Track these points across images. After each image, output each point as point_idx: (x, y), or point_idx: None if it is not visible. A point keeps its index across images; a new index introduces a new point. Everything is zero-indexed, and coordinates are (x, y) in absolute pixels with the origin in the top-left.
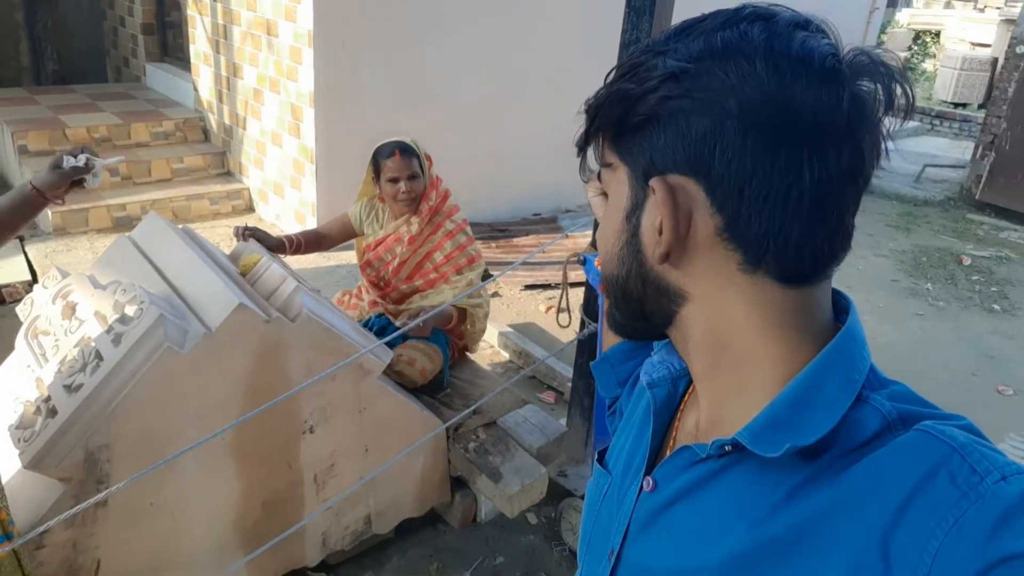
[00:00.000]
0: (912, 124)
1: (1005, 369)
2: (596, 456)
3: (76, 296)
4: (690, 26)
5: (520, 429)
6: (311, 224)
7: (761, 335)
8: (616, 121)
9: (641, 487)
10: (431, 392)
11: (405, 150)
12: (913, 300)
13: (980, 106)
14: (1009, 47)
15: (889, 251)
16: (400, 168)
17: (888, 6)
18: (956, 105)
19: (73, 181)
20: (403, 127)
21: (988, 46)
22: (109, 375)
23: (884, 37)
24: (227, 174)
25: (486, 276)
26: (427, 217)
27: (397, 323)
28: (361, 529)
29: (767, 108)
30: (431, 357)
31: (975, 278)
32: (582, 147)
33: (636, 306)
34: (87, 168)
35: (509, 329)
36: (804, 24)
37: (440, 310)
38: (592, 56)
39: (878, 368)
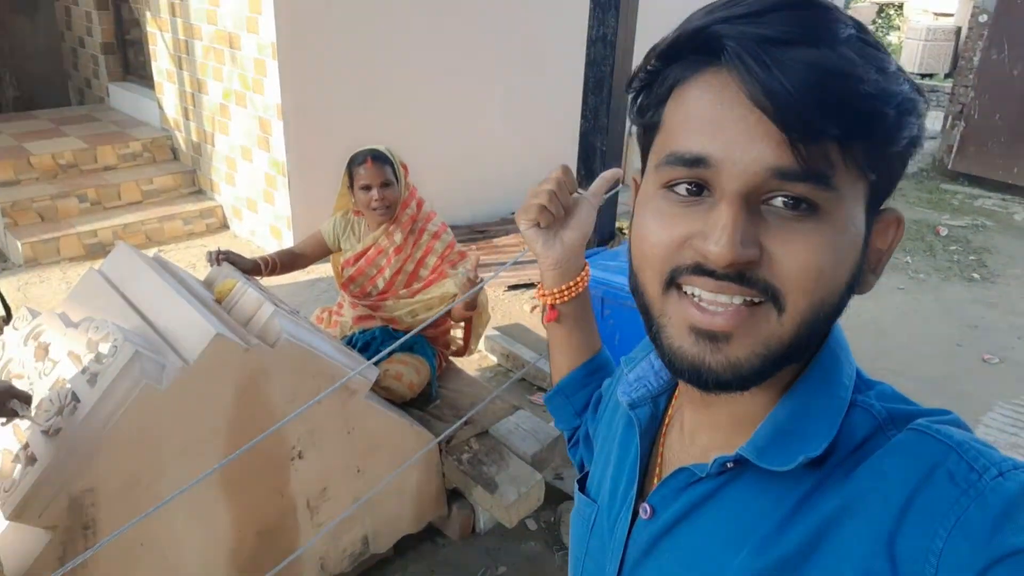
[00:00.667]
0: None
1: (988, 337)
2: (577, 485)
3: (48, 336)
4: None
5: (513, 436)
6: (287, 239)
7: None
8: (910, 140)
9: (636, 513)
10: (421, 405)
11: (377, 157)
12: (893, 274)
13: (947, 75)
14: (972, 16)
15: None
16: (373, 176)
17: None
18: (923, 76)
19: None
20: (375, 134)
21: (951, 16)
22: (87, 417)
23: (848, 12)
24: (199, 192)
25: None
26: (408, 226)
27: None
28: (359, 550)
29: None
30: (418, 370)
31: (953, 248)
32: (826, 133)
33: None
34: (21, 414)
35: (495, 332)
36: None
37: (480, 287)
38: (560, 52)
39: (862, 370)
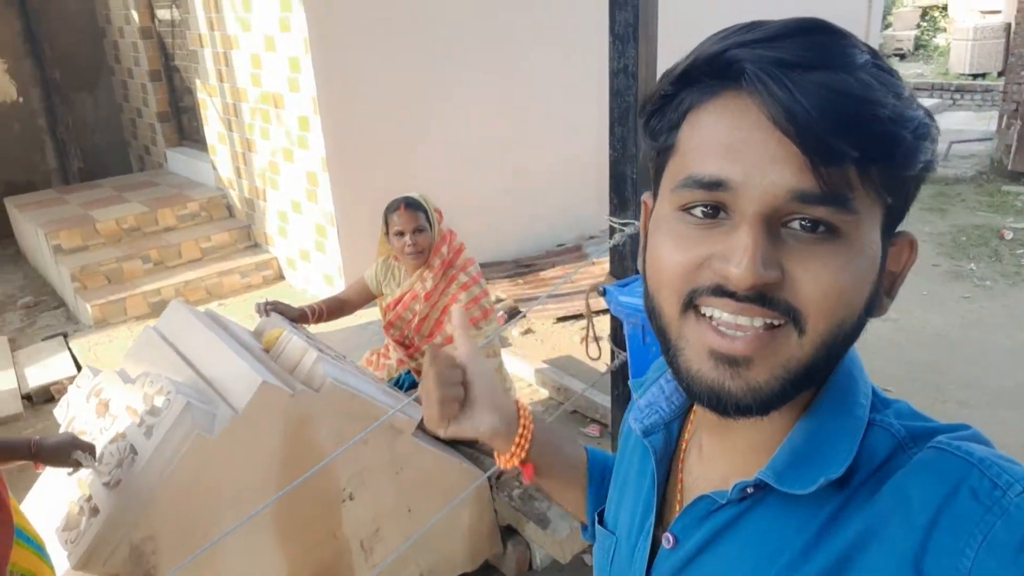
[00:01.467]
0: (932, 102)
1: None
2: (596, 517)
3: (107, 393)
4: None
5: None
6: (340, 286)
7: None
8: (924, 164)
9: (657, 542)
10: (469, 442)
11: (410, 204)
12: (958, 283)
13: (999, 74)
14: (1019, 11)
15: (926, 235)
16: (406, 222)
17: None
18: (975, 76)
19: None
20: (419, 179)
21: (999, 12)
22: (145, 468)
23: (891, 18)
24: (254, 246)
25: (514, 315)
26: (440, 271)
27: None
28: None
29: None
30: None
31: (1020, 252)
32: (849, 155)
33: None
34: (86, 465)
35: (545, 365)
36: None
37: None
38: (599, 84)
39: (877, 388)
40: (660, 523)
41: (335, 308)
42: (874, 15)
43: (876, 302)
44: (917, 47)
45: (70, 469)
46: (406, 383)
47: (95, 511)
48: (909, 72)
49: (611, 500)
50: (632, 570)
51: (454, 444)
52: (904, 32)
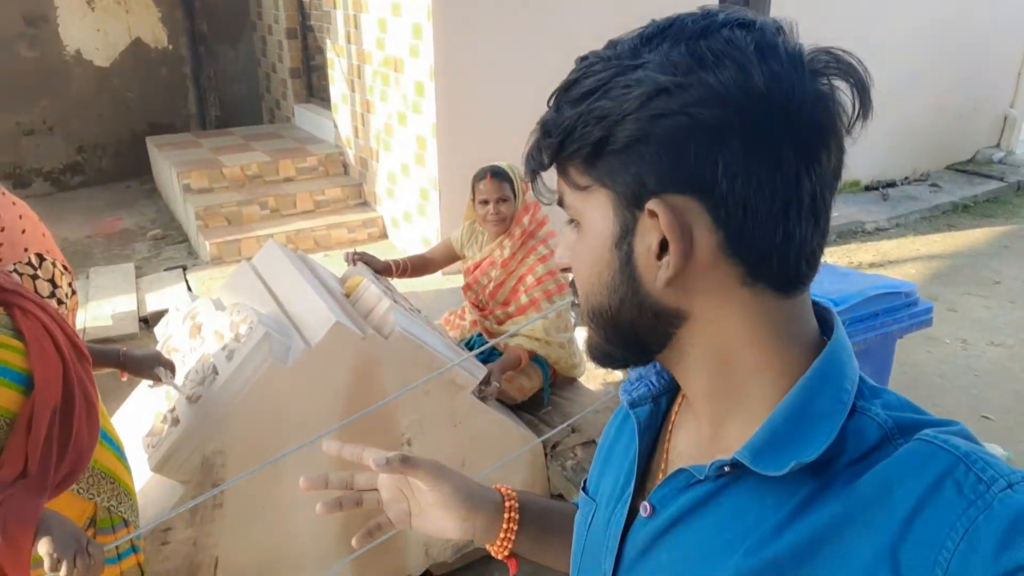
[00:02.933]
0: None
1: None
2: (582, 485)
3: (201, 317)
4: (654, 35)
5: None
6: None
7: (762, 347)
8: (595, 143)
9: (635, 511)
10: (532, 410)
11: (497, 173)
12: None
13: None
14: None
15: None
16: (491, 191)
17: None
18: None
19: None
20: (519, 151)
21: None
22: (222, 388)
23: None
24: (364, 204)
25: None
26: (520, 241)
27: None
28: (463, 543)
29: (769, 118)
30: (530, 375)
31: None
32: (539, 169)
33: (629, 334)
34: (165, 381)
35: None
36: (780, 27)
37: (504, 360)
38: None
39: (867, 377)
40: (641, 494)
41: (419, 265)
42: None
43: (637, 272)
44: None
45: (151, 382)
46: (476, 344)
47: (176, 421)
48: None
49: (594, 469)
50: (607, 536)
51: (517, 411)
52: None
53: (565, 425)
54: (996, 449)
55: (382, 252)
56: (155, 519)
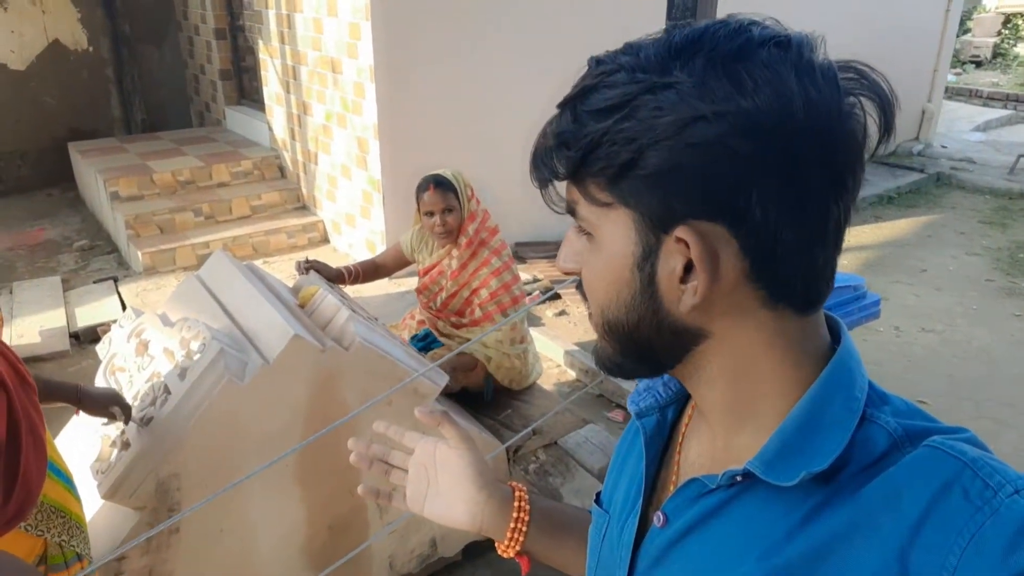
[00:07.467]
0: (1006, 113)
1: None
2: (595, 498)
3: (148, 334)
4: (684, 48)
5: (581, 450)
6: (381, 252)
7: (779, 364)
8: (622, 164)
9: (648, 521)
10: (492, 414)
11: (440, 183)
12: (1010, 300)
13: None
14: None
15: (982, 249)
16: (435, 202)
17: None
18: None
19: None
20: (463, 153)
21: None
22: (176, 407)
23: (971, 24)
24: (302, 208)
25: (552, 297)
26: (469, 252)
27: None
28: (427, 552)
29: (805, 148)
30: (468, 365)
31: None
32: (554, 179)
33: (646, 350)
34: (119, 420)
35: (575, 347)
36: (811, 44)
37: (449, 357)
38: None
39: (876, 383)
40: (654, 504)
41: (370, 270)
42: (951, 20)
43: (659, 294)
44: (995, 55)
45: (105, 420)
46: (425, 338)
47: (126, 445)
48: (984, 80)
49: (608, 480)
50: (620, 546)
51: (479, 416)
52: (983, 39)
53: (528, 431)
54: None
55: (324, 256)
56: (108, 550)
